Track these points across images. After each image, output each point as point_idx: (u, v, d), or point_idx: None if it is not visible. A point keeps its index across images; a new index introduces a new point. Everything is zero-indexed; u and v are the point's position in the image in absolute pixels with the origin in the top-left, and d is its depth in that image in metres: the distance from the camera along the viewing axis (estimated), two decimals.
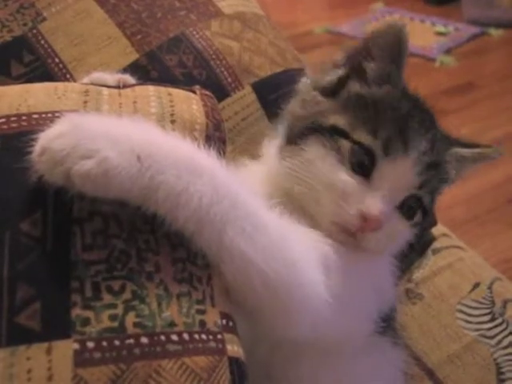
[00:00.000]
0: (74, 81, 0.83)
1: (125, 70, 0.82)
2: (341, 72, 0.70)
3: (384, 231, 0.64)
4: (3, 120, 0.52)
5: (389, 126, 0.65)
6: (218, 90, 0.83)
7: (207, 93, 0.64)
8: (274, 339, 0.62)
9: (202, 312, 0.49)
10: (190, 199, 0.48)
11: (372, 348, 0.68)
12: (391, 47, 0.67)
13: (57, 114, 0.51)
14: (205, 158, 0.51)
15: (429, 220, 0.74)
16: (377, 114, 0.65)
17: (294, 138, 0.68)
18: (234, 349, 0.51)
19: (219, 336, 0.50)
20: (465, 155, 0.72)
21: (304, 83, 0.76)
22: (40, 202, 0.47)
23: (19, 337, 0.43)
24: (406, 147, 0.64)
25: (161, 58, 0.86)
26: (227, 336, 0.51)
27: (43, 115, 0.52)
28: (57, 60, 0.85)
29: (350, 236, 0.64)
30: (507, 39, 3.11)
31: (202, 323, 0.49)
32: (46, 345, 0.43)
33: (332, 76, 0.70)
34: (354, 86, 0.69)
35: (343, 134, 0.65)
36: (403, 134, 0.65)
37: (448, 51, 3.02)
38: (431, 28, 3.24)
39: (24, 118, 0.52)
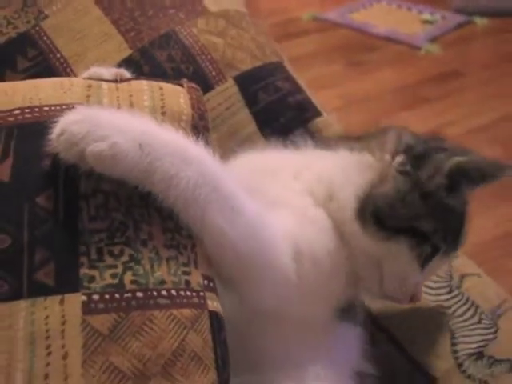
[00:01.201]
0: (75, 74, 0.91)
1: (119, 65, 0.89)
2: (443, 181, 0.71)
3: None
4: (18, 111, 0.61)
5: (452, 230, 0.74)
6: (204, 82, 0.91)
7: (193, 85, 0.73)
8: (248, 310, 0.69)
9: (187, 273, 0.59)
10: (180, 182, 0.57)
11: (331, 330, 0.75)
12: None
13: (64, 107, 0.60)
14: (195, 148, 0.60)
15: None
16: (448, 219, 0.73)
17: (381, 224, 0.70)
18: (213, 304, 0.60)
19: (201, 293, 0.59)
20: None
21: (401, 165, 0.72)
22: (52, 181, 0.57)
23: (37, 290, 0.53)
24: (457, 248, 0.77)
25: (152, 54, 0.94)
26: (208, 294, 0.60)
27: (52, 107, 0.61)
28: (58, 55, 0.93)
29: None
30: (492, 28, 3.11)
31: (187, 282, 0.58)
32: (59, 297, 0.53)
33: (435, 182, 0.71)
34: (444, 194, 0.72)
35: (425, 237, 0.71)
36: (459, 237, 0.75)
37: (434, 39, 3.02)
38: (418, 16, 3.24)
39: (36, 109, 0.61)
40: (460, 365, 0.84)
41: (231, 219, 0.61)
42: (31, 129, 0.59)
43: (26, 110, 0.61)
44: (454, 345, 0.86)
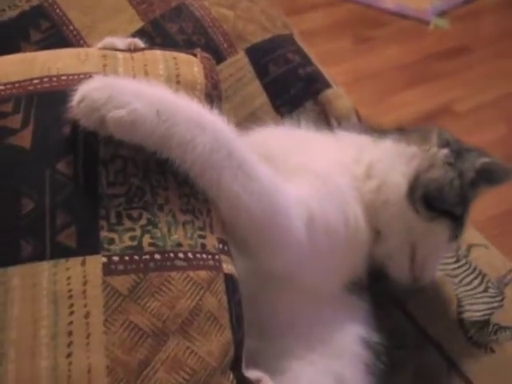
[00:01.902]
0: (88, 46, 0.91)
1: (132, 37, 0.90)
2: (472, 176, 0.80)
3: None
4: (37, 81, 0.62)
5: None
6: (215, 54, 0.91)
7: (206, 55, 0.74)
8: (261, 274, 0.71)
9: (203, 237, 0.61)
10: (196, 147, 0.59)
11: (340, 301, 0.77)
12: None
13: (82, 76, 0.62)
14: (209, 115, 0.62)
15: None
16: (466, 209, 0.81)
17: (428, 205, 0.77)
18: (228, 267, 0.62)
19: (216, 256, 0.61)
20: None
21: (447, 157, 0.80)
22: (72, 148, 0.59)
23: (60, 252, 0.55)
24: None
25: (164, 26, 0.95)
26: (223, 257, 0.62)
27: (70, 77, 0.63)
28: (71, 27, 0.93)
29: None
30: (502, 2, 3.04)
31: (203, 245, 0.60)
32: (80, 258, 0.55)
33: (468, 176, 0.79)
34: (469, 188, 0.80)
35: (459, 220, 0.80)
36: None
37: (442, 14, 2.96)
38: None
39: (54, 79, 0.62)
40: (466, 332, 0.86)
41: (245, 183, 0.63)
42: (50, 97, 0.61)
43: (45, 79, 0.62)
44: (460, 313, 0.88)
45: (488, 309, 0.88)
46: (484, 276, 0.91)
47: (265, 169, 0.66)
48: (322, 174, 0.75)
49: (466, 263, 0.93)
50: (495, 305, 0.88)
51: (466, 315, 0.88)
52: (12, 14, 0.92)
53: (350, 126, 0.93)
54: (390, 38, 2.80)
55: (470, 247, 0.96)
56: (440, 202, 0.77)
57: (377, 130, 0.86)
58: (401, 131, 0.85)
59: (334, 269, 0.76)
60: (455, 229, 0.79)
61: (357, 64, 2.63)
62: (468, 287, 0.91)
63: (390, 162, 0.79)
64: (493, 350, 0.84)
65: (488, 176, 0.80)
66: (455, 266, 0.93)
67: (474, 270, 0.92)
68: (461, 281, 0.91)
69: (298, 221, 0.68)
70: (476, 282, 0.91)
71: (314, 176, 0.75)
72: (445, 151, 0.79)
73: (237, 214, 0.64)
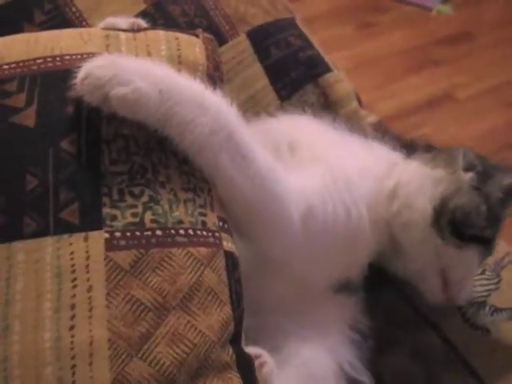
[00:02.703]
0: (90, 27, 0.93)
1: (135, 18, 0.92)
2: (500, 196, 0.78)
3: None
4: (41, 60, 0.63)
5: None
6: (217, 36, 0.91)
7: (208, 36, 0.74)
8: (256, 255, 0.71)
9: (204, 215, 0.62)
10: (196, 127, 0.60)
11: (325, 299, 0.77)
12: None
13: (85, 56, 0.62)
14: (212, 97, 0.63)
15: None
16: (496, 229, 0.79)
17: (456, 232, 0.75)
18: (228, 245, 0.63)
19: (217, 234, 0.62)
20: None
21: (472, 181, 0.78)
22: (75, 126, 0.59)
23: (63, 228, 0.56)
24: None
25: (166, 8, 0.95)
26: (223, 235, 0.63)
27: (73, 56, 0.63)
28: (74, 9, 0.94)
29: None
30: None
31: (204, 223, 0.61)
32: (83, 234, 0.56)
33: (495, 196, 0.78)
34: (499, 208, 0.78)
35: (489, 243, 0.79)
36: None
37: (445, 0, 2.95)
38: None
39: (58, 58, 0.63)
40: (464, 313, 0.87)
41: (242, 167, 0.63)
42: (54, 77, 0.62)
43: (48, 59, 0.63)
44: None
45: (485, 291, 0.89)
46: None
47: (265, 156, 0.67)
48: (338, 170, 0.75)
49: None
50: (492, 287, 0.89)
51: None
52: None
53: (382, 137, 0.88)
54: (392, 24, 2.79)
55: None
56: (467, 227, 0.75)
57: (406, 146, 0.85)
58: (429, 149, 0.83)
59: (325, 265, 0.75)
60: (487, 250, 0.79)
61: (359, 50, 2.62)
62: None
63: (417, 186, 0.77)
64: (489, 331, 0.85)
65: None
66: None
67: None
68: None
69: (295, 212, 0.69)
70: None
71: (328, 169, 0.74)
72: (470, 175, 0.77)
73: (232, 196, 0.65)
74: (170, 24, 0.93)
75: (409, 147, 0.85)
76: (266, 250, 0.70)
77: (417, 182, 0.78)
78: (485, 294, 0.89)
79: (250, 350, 0.65)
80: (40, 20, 0.92)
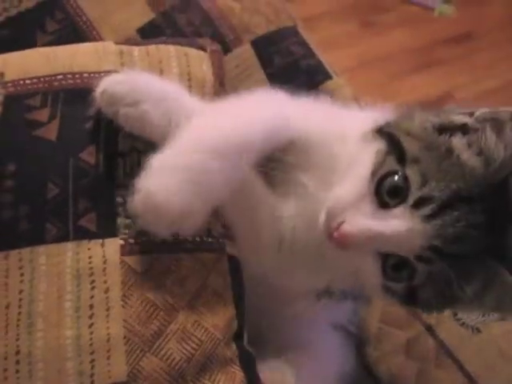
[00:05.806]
0: (100, 36, 0.96)
1: (143, 28, 0.96)
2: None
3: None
4: (61, 77, 0.68)
5: None
6: (222, 46, 0.96)
7: (215, 48, 0.79)
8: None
9: (209, 222, 0.66)
10: None
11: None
12: None
13: (102, 74, 0.66)
14: None
15: None
16: None
17: None
18: (231, 249, 0.68)
19: (220, 240, 0.67)
20: None
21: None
22: (94, 139, 0.65)
23: (82, 234, 0.61)
24: None
25: (173, 18, 0.99)
26: (226, 241, 0.68)
27: (91, 75, 0.68)
28: (84, 18, 0.97)
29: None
30: None
31: (209, 230, 0.66)
32: (100, 241, 0.61)
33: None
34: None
35: None
36: None
37: (448, 0, 2.89)
38: None
39: (77, 76, 0.68)
40: (455, 313, 0.90)
41: None
42: (74, 93, 0.67)
43: (68, 76, 0.68)
44: None
45: None
46: None
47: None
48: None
49: None
50: None
51: None
52: (28, 4, 0.96)
53: None
54: (395, 24, 2.81)
55: None
56: None
57: None
58: None
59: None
60: None
61: (362, 48, 2.64)
62: None
63: None
64: (479, 331, 0.88)
65: None
66: None
67: None
68: None
69: None
70: None
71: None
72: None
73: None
74: (176, 34, 0.97)
75: None
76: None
77: None
78: None
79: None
80: (52, 29, 0.96)
